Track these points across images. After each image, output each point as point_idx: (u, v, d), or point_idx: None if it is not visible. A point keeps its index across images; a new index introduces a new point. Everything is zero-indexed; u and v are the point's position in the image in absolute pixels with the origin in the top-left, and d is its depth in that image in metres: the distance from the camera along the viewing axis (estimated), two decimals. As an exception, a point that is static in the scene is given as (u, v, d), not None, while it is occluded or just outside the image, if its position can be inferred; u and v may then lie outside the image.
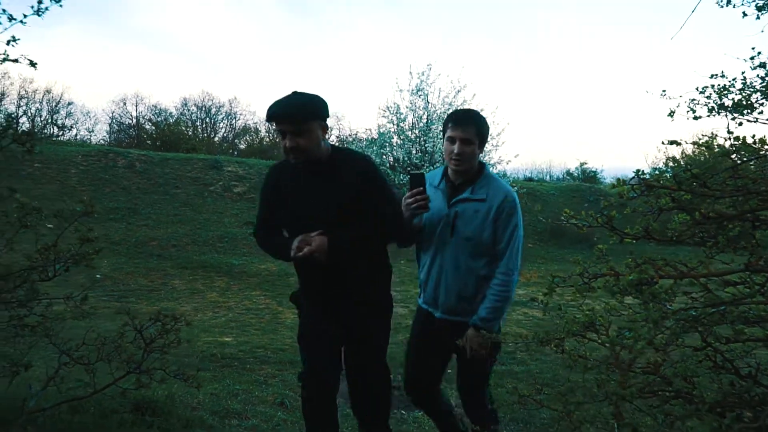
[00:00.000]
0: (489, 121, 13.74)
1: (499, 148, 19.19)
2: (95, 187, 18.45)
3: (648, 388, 2.23)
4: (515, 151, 31.47)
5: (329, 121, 2.97)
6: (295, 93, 2.78)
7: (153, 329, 2.99)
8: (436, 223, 3.16)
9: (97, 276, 12.09)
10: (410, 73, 19.31)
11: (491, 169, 18.31)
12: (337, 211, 2.82)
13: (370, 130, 21.05)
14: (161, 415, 3.41)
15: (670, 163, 27.02)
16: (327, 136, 2.93)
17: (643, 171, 1.89)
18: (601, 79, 64.15)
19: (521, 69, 59.85)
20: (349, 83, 55.25)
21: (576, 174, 33.42)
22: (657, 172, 2.28)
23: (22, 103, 29.35)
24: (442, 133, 3.27)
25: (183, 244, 15.83)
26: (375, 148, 19.08)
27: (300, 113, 2.73)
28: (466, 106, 18.70)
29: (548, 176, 36.02)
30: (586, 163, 33.16)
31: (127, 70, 53.55)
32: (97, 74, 53.58)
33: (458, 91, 18.70)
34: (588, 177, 32.17)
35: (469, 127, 3.04)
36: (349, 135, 27.17)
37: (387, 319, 3.19)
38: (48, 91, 30.18)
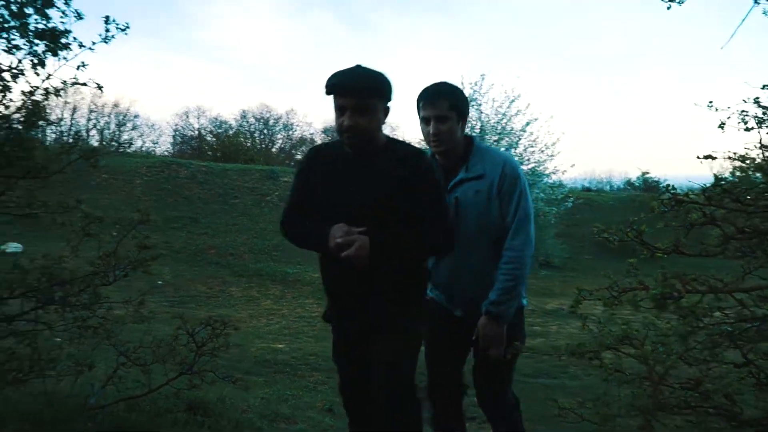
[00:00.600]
0: (544, 131, 13.32)
1: (555, 158, 18.93)
2: (158, 197, 19.19)
3: (686, 403, 2.22)
4: (571, 161, 30.88)
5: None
6: (359, 66, 2.44)
7: (204, 333, 3.16)
8: None
9: (159, 282, 12.58)
10: (462, 83, 19.31)
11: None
12: (381, 207, 2.42)
13: (422, 141, 21.16)
14: (212, 416, 3.57)
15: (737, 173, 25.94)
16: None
17: (672, 186, 1.91)
18: (666, 85, 62.35)
19: (579, 76, 58.85)
20: (404, 95, 55.38)
21: (637, 184, 32.51)
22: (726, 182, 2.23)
23: (92, 117, 30.83)
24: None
25: (240, 252, 16.28)
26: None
27: (366, 87, 2.38)
28: (520, 116, 18.58)
29: (608, 186, 35.19)
30: (648, 173, 32.31)
31: (190, 84, 55.53)
32: (161, 88, 55.75)
33: (512, 101, 18.59)
34: (650, 187, 31.25)
35: (439, 101, 2.73)
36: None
37: (416, 321, 2.62)
38: (116, 105, 31.58)
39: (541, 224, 17.80)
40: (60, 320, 3.16)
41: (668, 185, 1.88)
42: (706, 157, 2.16)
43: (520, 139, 18.68)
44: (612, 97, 59.67)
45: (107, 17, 2.89)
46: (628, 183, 33.80)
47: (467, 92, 18.82)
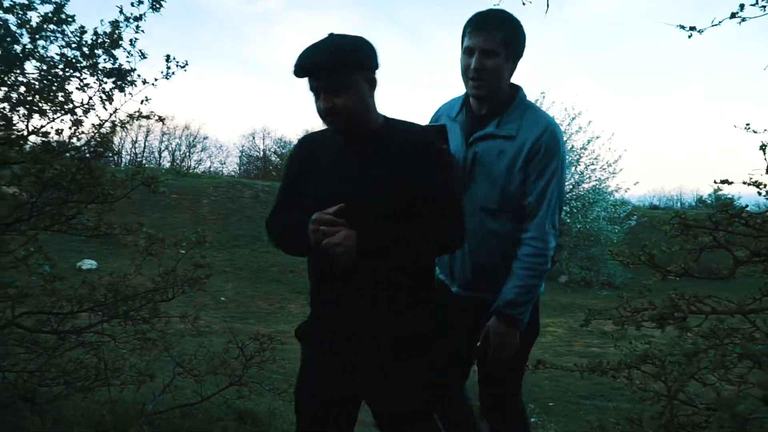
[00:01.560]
0: (605, 148, 12.98)
1: (617, 176, 18.56)
2: (223, 216, 19.93)
3: (707, 423, 2.27)
4: (636, 178, 30.05)
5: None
6: (331, 35, 2.00)
7: (252, 347, 3.38)
8: None
9: (222, 298, 13.07)
10: (522, 101, 19.23)
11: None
12: (379, 202, 1.99)
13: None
14: (261, 426, 3.78)
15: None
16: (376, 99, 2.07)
17: (684, 212, 1.98)
18: (739, 100, 59.94)
19: (646, 92, 57.32)
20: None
21: (709, 201, 31.36)
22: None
23: (164, 139, 32.43)
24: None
25: (299, 270, 16.67)
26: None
27: (336, 61, 1.92)
28: (581, 134, 18.35)
29: (678, 203, 34.11)
30: (720, 189, 31.10)
31: (257, 105, 57.40)
32: (230, 110, 57.80)
33: (573, 119, 18.40)
34: (724, 205, 30.06)
35: (491, 31, 2.22)
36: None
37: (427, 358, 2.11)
38: (186, 128, 33.13)
39: (603, 243, 17.45)
40: (123, 333, 3.46)
41: (679, 211, 1.96)
42: (723, 182, 2.22)
43: (581, 156, 18.44)
44: (686, 110, 57.78)
45: (168, 56, 3.19)
46: (700, 200, 32.66)
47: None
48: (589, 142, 18.33)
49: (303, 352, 2.18)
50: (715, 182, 2.15)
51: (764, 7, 2.40)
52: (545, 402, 7.29)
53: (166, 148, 33.33)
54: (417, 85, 56.95)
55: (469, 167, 2.32)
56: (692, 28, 2.52)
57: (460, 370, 2.56)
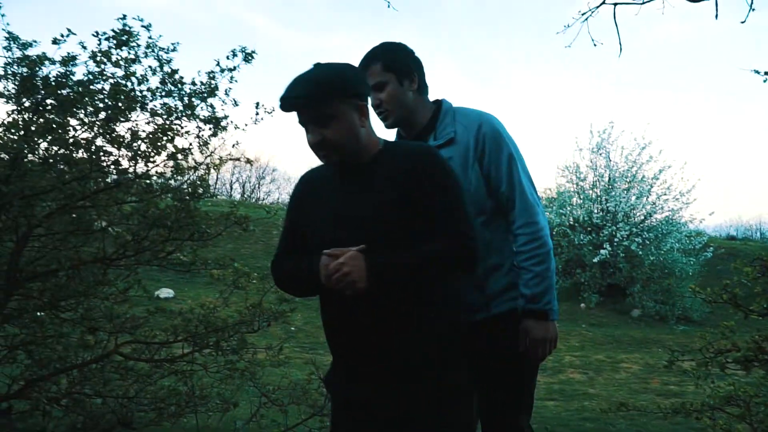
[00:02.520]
0: (678, 178, 12.39)
1: (690, 206, 17.93)
2: (292, 246, 20.37)
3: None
4: (711, 208, 28.72)
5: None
6: (316, 65, 1.95)
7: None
8: None
9: (292, 328, 13.36)
10: (590, 131, 18.98)
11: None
12: (383, 231, 1.87)
13: (550, 189, 20.92)
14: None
15: None
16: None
17: (765, 256, 2.00)
18: (821, 125, 56.88)
19: (720, 117, 55.34)
20: (529, 144, 55.06)
21: (792, 231, 29.81)
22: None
23: (235, 171, 33.67)
24: None
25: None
26: (554, 207, 18.90)
27: (318, 91, 1.85)
28: (651, 164, 17.92)
29: (758, 234, 32.52)
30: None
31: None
32: (298, 143, 59.33)
33: (643, 148, 17.98)
34: None
35: (372, 67, 2.25)
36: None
37: (456, 411, 1.91)
38: (257, 160, 34.30)
39: (678, 275, 16.84)
40: (213, 363, 3.66)
41: (761, 255, 1.97)
42: None
43: (652, 186, 17.96)
44: (765, 135, 55.38)
45: (257, 103, 3.43)
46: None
47: (595, 141, 18.49)
48: (660, 171, 17.83)
49: (331, 403, 2.06)
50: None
51: None
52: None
53: (237, 180, 34.62)
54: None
55: None
56: (767, 73, 2.54)
57: None
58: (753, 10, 3.66)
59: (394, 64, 2.26)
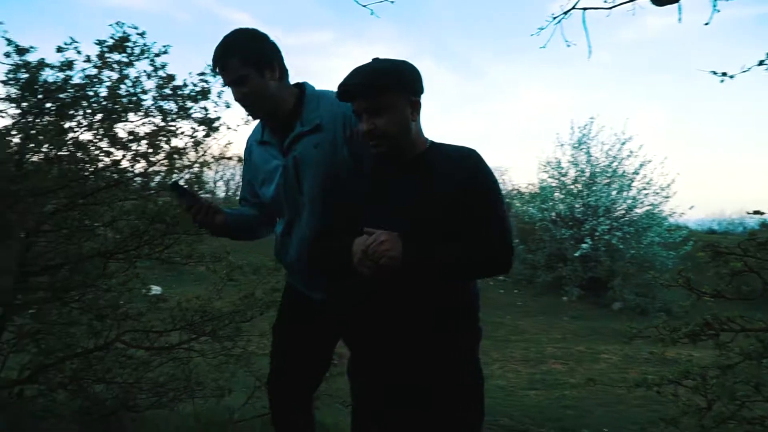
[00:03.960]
0: (658, 173, 12.51)
1: (670, 200, 18.32)
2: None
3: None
4: (692, 202, 29.14)
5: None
6: (375, 59, 2.02)
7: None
8: (278, 186, 2.34)
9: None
10: (572, 127, 19.34)
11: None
12: (423, 227, 1.93)
13: (532, 184, 21.24)
14: (328, 437, 4.11)
15: None
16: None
17: (718, 242, 2.24)
18: (799, 120, 57.86)
19: (703, 112, 56.14)
20: (512, 139, 55.56)
21: (771, 225, 30.28)
22: None
23: (219, 169, 33.69)
24: None
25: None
26: (537, 202, 19.22)
27: (376, 82, 1.93)
28: (632, 159, 18.28)
29: (741, 227, 33.03)
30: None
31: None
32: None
33: (623, 143, 18.34)
34: (752, 232, 28.95)
35: (228, 62, 2.21)
36: (512, 189, 27.49)
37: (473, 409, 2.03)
38: (240, 159, 34.24)
39: (658, 269, 17.22)
40: (210, 350, 3.87)
41: (712, 242, 2.21)
42: (755, 212, 2.46)
43: (632, 181, 18.34)
44: (748, 130, 56.18)
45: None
46: (764, 224, 31.56)
47: (576, 136, 18.80)
48: (641, 166, 18.23)
49: (351, 390, 2.16)
50: (747, 213, 2.37)
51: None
52: (599, 429, 7.36)
53: (221, 177, 34.63)
54: (468, 115, 57.44)
55: (293, 173, 2.30)
56: (723, 74, 2.77)
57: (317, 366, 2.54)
58: (717, 11, 3.89)
59: (252, 57, 2.21)
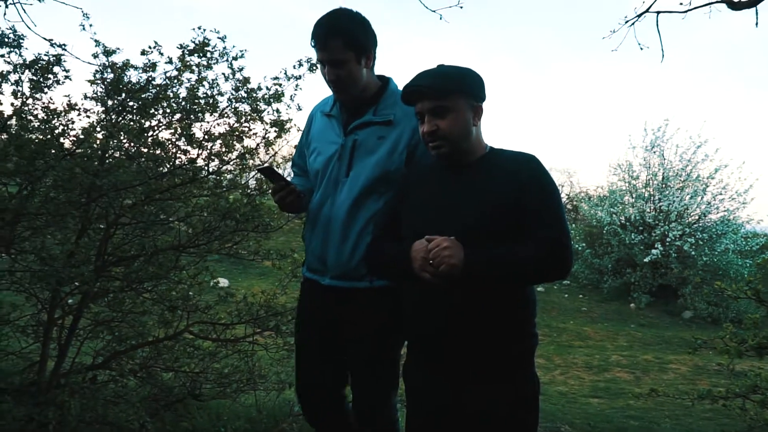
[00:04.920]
0: (735, 177, 12.05)
1: (747, 206, 17.45)
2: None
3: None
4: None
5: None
6: (440, 65, 2.07)
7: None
8: (327, 160, 2.37)
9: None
10: (645, 129, 18.73)
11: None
12: (482, 230, 1.95)
13: (601, 187, 20.69)
14: None
15: None
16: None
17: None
18: None
19: (786, 116, 53.10)
20: (581, 139, 54.20)
21: None
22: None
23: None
24: None
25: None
26: (605, 206, 18.72)
27: (442, 84, 1.98)
28: (707, 163, 17.54)
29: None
30: None
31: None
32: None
33: (698, 147, 17.61)
34: None
35: (331, 42, 2.23)
36: (580, 192, 26.82)
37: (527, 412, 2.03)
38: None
39: (732, 277, 16.47)
40: (273, 344, 3.99)
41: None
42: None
43: (707, 186, 17.59)
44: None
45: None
46: None
47: (649, 139, 18.19)
48: (716, 170, 17.46)
49: (407, 393, 2.17)
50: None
51: None
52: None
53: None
54: (537, 110, 56.40)
55: (348, 154, 2.33)
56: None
57: (336, 373, 2.49)
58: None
59: (356, 43, 2.25)
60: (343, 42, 2.22)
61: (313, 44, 2.29)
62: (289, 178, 2.40)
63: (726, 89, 50.33)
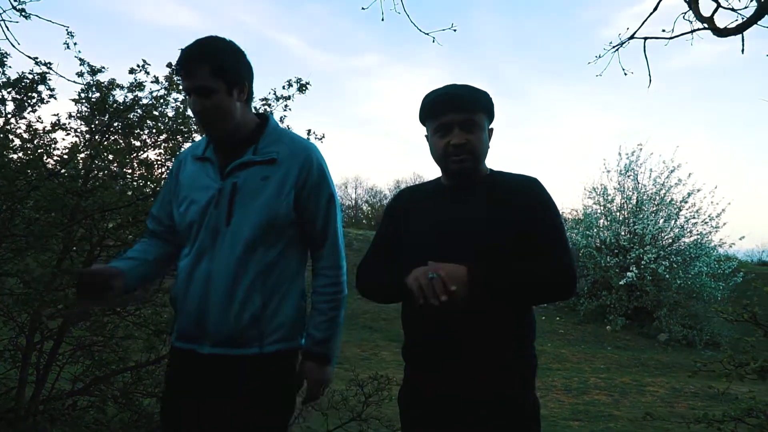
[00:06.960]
0: (707, 202, 12.28)
1: (720, 230, 17.80)
2: (319, 262, 20.69)
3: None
4: (743, 232, 28.18)
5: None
6: (455, 84, 2.06)
7: (371, 387, 3.73)
8: (203, 209, 2.03)
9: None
10: (619, 153, 19.06)
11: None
12: (490, 247, 1.92)
13: (576, 210, 20.96)
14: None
15: None
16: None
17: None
18: None
19: (757, 140, 54.60)
20: (556, 164, 55.00)
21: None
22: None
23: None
24: None
25: (392, 318, 17.01)
26: (581, 229, 18.94)
27: (473, 99, 1.98)
28: (680, 187, 17.90)
29: (796, 259, 31.87)
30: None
31: (350, 156, 59.44)
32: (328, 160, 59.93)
33: (671, 171, 17.98)
34: None
35: (197, 68, 1.98)
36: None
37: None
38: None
39: (706, 300, 16.72)
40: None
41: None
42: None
43: (680, 210, 17.94)
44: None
45: (309, 130, 3.71)
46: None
47: (623, 163, 18.52)
48: (689, 194, 17.82)
49: (402, 420, 2.07)
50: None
51: None
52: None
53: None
54: (514, 138, 57.17)
55: (228, 199, 2.01)
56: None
57: None
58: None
59: (225, 71, 2.00)
60: (210, 69, 1.97)
61: (177, 71, 2.07)
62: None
63: (697, 114, 51.65)
